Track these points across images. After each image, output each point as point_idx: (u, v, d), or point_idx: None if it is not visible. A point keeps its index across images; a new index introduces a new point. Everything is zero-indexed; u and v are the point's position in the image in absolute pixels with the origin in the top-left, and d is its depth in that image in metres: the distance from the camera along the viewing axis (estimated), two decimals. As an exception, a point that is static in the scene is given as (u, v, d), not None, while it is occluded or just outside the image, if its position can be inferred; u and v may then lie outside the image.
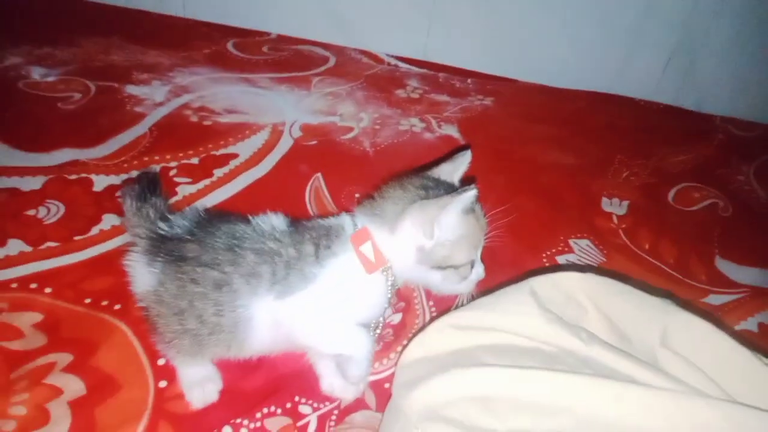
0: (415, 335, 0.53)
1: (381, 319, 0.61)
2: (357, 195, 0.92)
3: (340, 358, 0.60)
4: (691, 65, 1.37)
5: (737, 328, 0.83)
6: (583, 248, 0.92)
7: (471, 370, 0.45)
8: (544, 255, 0.89)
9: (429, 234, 0.55)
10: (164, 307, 0.55)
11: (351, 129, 1.12)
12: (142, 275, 0.58)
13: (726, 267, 0.93)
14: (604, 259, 0.90)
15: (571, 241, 0.93)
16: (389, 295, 0.58)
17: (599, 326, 0.51)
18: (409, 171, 0.65)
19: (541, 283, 0.51)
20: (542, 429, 0.43)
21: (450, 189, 0.60)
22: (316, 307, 0.55)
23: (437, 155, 1.07)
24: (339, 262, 0.56)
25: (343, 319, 0.57)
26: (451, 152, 0.71)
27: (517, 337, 0.49)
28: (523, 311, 0.49)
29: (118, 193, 0.81)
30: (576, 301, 0.52)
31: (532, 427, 0.43)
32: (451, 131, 1.17)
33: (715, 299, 0.87)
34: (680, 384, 0.45)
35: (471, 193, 0.53)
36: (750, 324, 0.83)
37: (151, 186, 0.65)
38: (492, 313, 0.49)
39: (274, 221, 0.59)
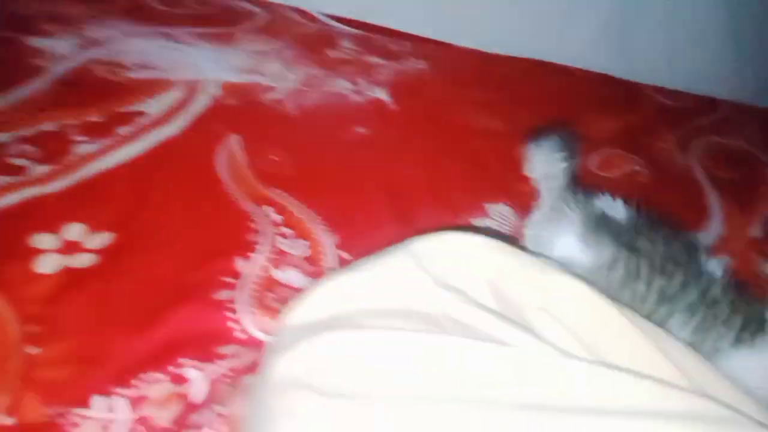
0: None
1: None
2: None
3: None
4: (624, 34, 1.37)
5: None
6: (498, 212, 0.91)
7: (341, 333, 0.44)
8: (459, 217, 0.88)
9: None
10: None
11: (276, 89, 1.06)
12: (577, 254, 0.54)
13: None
14: (520, 222, 0.90)
15: (486, 205, 0.92)
16: None
17: (482, 288, 0.49)
18: None
19: (423, 243, 0.49)
20: (415, 392, 0.42)
21: None
22: None
23: (365, 119, 1.05)
24: None
25: None
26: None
27: (396, 300, 0.47)
28: (401, 272, 0.47)
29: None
30: (460, 262, 0.50)
31: (403, 390, 0.42)
32: (381, 94, 1.13)
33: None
34: (555, 348, 0.44)
35: None
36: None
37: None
38: (369, 274, 0.48)
39: (713, 267, 0.55)
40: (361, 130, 1.02)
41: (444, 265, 0.49)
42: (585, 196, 0.58)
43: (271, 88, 1.06)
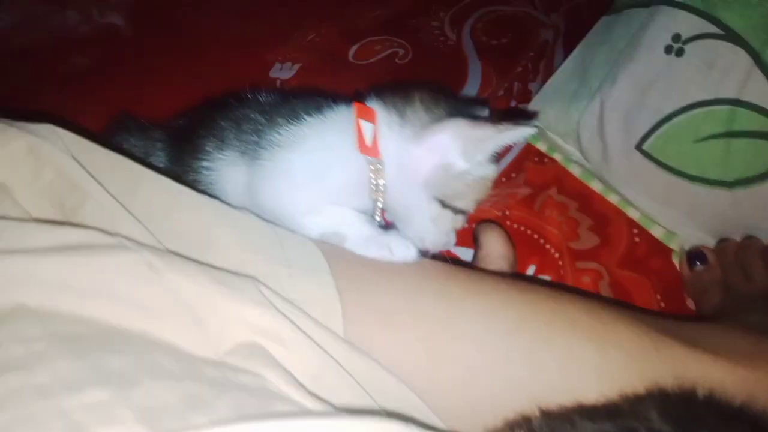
0: None
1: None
2: None
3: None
4: None
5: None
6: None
7: None
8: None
9: (470, 155, 0.50)
10: None
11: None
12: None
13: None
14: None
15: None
16: (376, 204, 0.54)
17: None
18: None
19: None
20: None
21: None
22: (288, 177, 0.52)
23: (94, 49, 1.01)
24: (316, 129, 0.53)
25: (319, 193, 0.52)
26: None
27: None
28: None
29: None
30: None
31: None
32: (115, 19, 1.08)
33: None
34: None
35: (530, 130, 0.49)
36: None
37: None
38: None
39: (264, 95, 0.60)
40: (81, 59, 0.97)
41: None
42: None
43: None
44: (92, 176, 0.38)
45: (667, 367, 0.43)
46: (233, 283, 0.34)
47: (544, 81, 1.03)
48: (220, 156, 0.56)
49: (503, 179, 0.85)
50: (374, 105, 0.53)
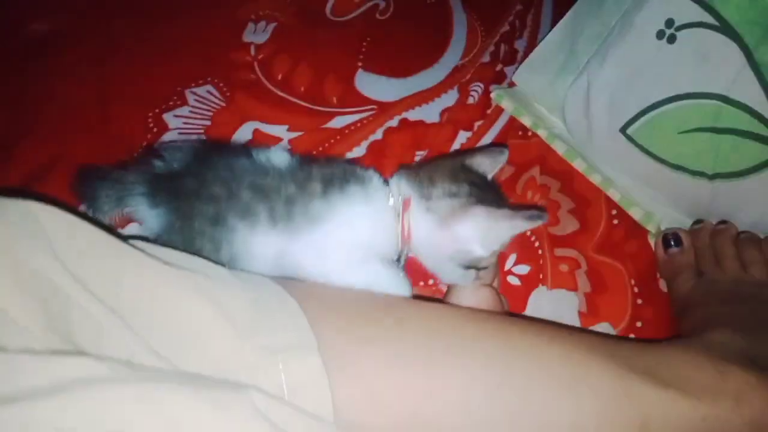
0: None
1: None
2: None
3: None
4: None
5: (356, 149, 0.83)
6: (200, 97, 0.86)
7: None
8: (150, 114, 0.83)
9: (487, 248, 0.56)
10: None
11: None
12: (149, 219, 0.58)
13: (366, 81, 0.91)
14: (224, 104, 0.85)
15: (187, 92, 0.86)
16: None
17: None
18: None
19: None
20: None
21: (498, 193, 0.62)
22: (328, 249, 0.54)
23: (55, 15, 0.92)
24: (358, 200, 0.55)
25: (364, 255, 0.56)
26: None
27: None
28: None
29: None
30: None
31: None
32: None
33: (338, 122, 0.86)
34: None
35: (543, 221, 0.56)
36: (362, 148, 0.83)
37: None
38: None
39: (274, 156, 0.58)
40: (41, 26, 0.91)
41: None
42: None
43: None
44: (75, 275, 0.38)
45: (636, 412, 0.46)
46: (229, 404, 0.35)
47: (531, 37, 0.99)
48: (247, 228, 0.54)
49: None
50: (407, 188, 0.59)
